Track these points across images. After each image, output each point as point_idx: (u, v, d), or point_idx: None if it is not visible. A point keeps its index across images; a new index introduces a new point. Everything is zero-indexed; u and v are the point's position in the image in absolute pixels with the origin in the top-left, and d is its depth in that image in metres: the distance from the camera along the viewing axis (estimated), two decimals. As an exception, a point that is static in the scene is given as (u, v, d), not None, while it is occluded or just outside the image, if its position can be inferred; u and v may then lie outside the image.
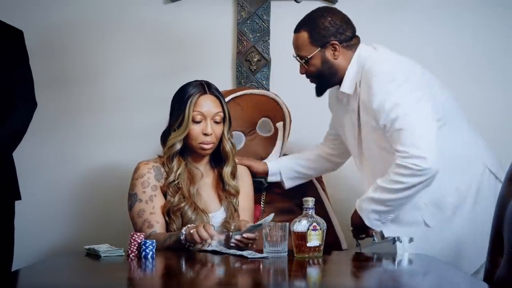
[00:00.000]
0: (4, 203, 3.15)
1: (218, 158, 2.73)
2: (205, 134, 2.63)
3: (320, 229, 2.38)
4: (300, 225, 2.38)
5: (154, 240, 2.38)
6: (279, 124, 3.14)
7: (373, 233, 2.65)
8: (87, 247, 2.46)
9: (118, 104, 3.56)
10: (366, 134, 2.67)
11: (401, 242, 2.48)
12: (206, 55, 3.59)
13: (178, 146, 2.64)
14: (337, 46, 2.68)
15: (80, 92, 3.61)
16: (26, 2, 3.61)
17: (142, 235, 2.38)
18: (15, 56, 3.15)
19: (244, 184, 2.76)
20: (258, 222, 2.49)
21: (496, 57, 3.56)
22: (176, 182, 2.62)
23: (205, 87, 2.67)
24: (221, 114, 2.67)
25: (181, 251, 2.48)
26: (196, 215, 2.58)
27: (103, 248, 2.40)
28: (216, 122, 2.65)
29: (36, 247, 3.52)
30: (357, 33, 2.77)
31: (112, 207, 3.39)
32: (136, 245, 2.36)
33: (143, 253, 2.34)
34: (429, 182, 2.52)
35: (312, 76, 2.75)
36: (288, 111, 3.18)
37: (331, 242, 3.05)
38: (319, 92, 2.79)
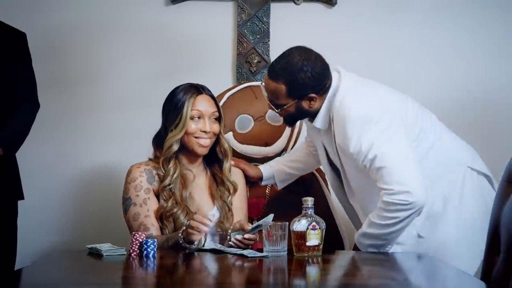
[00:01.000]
0: (7, 203, 3.16)
1: (210, 158, 2.75)
2: (204, 132, 2.65)
3: (319, 228, 2.39)
4: (300, 224, 2.39)
5: (156, 240, 2.39)
6: None
7: None
8: (89, 246, 2.46)
9: (120, 104, 3.58)
10: (348, 172, 2.69)
11: None
12: (207, 57, 3.61)
13: (176, 147, 2.65)
14: (314, 98, 2.61)
15: (81, 93, 3.63)
16: (29, 4, 3.63)
17: (143, 235, 2.40)
18: (18, 58, 3.17)
19: (238, 184, 2.78)
20: (258, 223, 2.51)
21: (494, 58, 3.58)
22: (170, 186, 2.63)
23: (199, 88, 2.70)
24: (217, 113, 2.70)
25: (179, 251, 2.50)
26: (188, 220, 2.59)
27: (105, 247, 2.41)
28: (213, 121, 2.69)
29: (39, 247, 3.53)
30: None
31: (113, 206, 3.39)
32: (138, 244, 2.37)
33: (145, 252, 2.35)
34: (419, 212, 2.53)
35: (283, 117, 2.70)
36: None
37: (334, 240, 3.08)
38: (290, 124, 2.77)
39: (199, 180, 2.72)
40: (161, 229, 2.62)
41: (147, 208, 2.62)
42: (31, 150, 3.41)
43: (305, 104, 2.63)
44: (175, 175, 2.63)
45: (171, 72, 3.56)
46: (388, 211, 2.52)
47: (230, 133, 3.13)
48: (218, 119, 2.71)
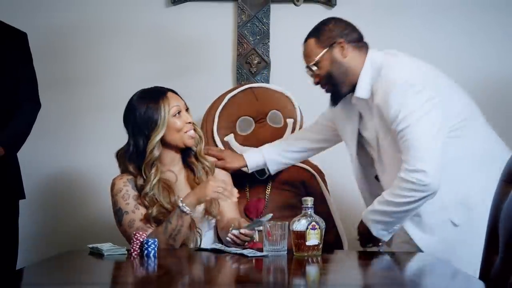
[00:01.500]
0: (9, 202, 3.18)
1: (185, 151, 2.75)
2: (189, 123, 2.68)
3: (319, 228, 2.40)
4: (299, 224, 2.40)
5: (156, 239, 2.40)
6: (290, 120, 3.20)
7: (380, 245, 2.69)
8: (90, 246, 2.48)
9: (120, 105, 3.57)
10: (381, 139, 2.70)
11: None
12: (207, 57, 3.62)
13: (157, 152, 2.65)
14: (344, 45, 2.69)
15: (82, 93, 3.64)
16: (29, 5, 3.64)
17: (144, 234, 2.41)
18: (19, 58, 3.18)
19: (220, 176, 2.78)
20: (256, 220, 2.54)
21: (493, 61, 3.60)
22: (151, 193, 2.62)
23: (160, 89, 2.71)
24: (185, 104, 2.72)
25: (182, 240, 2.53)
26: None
27: (106, 247, 2.42)
28: (186, 111, 2.71)
29: (40, 246, 3.55)
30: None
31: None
32: (139, 244, 2.38)
33: (145, 251, 2.36)
34: (431, 197, 2.56)
35: (324, 80, 2.73)
36: (301, 113, 3.22)
37: (333, 240, 3.10)
38: (335, 100, 2.78)
39: (180, 177, 2.74)
40: None
41: (140, 212, 2.63)
42: (32, 149, 3.42)
43: (337, 54, 2.70)
44: (154, 182, 2.63)
45: (172, 73, 3.57)
46: (403, 189, 2.55)
47: (231, 135, 3.15)
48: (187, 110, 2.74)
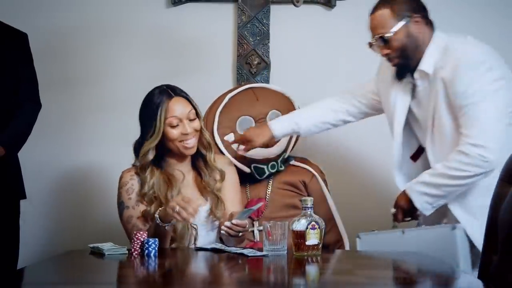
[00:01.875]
0: (10, 202, 3.18)
1: (196, 154, 2.75)
2: (186, 134, 2.66)
3: (319, 228, 2.41)
4: (299, 224, 2.41)
5: (157, 239, 2.41)
6: None
7: (419, 217, 2.68)
8: (91, 245, 2.49)
9: (121, 106, 3.60)
10: (438, 118, 2.69)
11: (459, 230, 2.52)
12: (207, 58, 3.63)
13: (150, 156, 2.66)
14: (419, 19, 2.69)
15: (82, 93, 3.65)
16: (30, 6, 3.65)
17: (145, 234, 2.42)
18: (19, 58, 3.18)
19: (228, 176, 2.79)
20: (246, 209, 2.55)
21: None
22: (150, 192, 2.63)
23: (170, 92, 2.69)
24: (193, 111, 2.70)
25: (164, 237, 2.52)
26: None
27: (107, 247, 2.43)
28: (191, 120, 2.69)
29: (41, 246, 3.55)
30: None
31: (115, 206, 3.38)
32: (139, 243, 2.39)
33: (146, 251, 2.37)
34: (487, 174, 2.56)
35: (396, 53, 2.72)
36: None
37: (334, 241, 3.10)
38: (400, 75, 2.76)
39: (188, 177, 2.75)
40: None
41: (139, 209, 2.64)
42: (33, 150, 3.43)
43: (413, 29, 2.68)
44: (152, 182, 2.64)
45: (172, 74, 3.58)
46: (461, 163, 2.55)
47: (231, 134, 3.16)
48: (196, 114, 2.71)
